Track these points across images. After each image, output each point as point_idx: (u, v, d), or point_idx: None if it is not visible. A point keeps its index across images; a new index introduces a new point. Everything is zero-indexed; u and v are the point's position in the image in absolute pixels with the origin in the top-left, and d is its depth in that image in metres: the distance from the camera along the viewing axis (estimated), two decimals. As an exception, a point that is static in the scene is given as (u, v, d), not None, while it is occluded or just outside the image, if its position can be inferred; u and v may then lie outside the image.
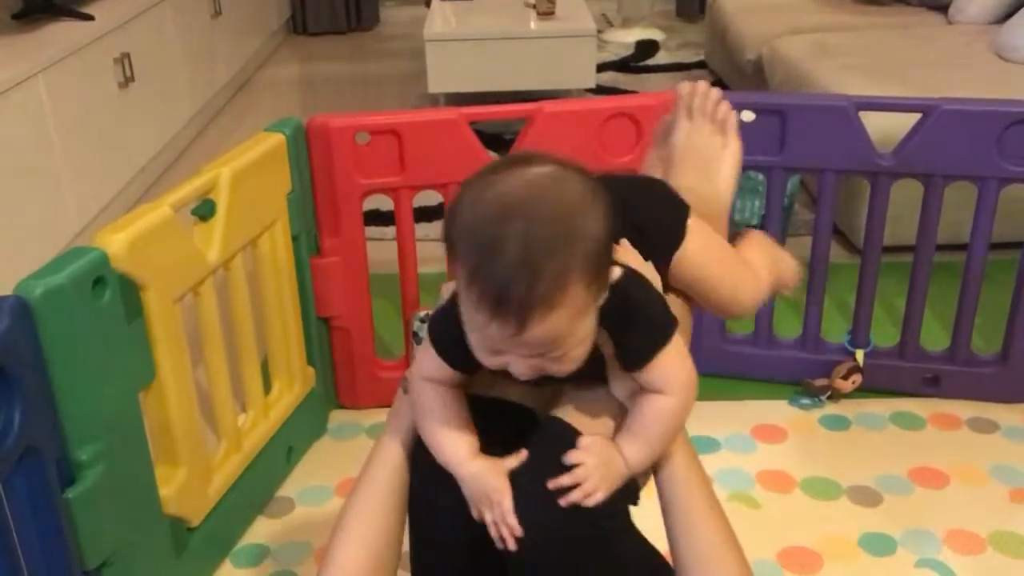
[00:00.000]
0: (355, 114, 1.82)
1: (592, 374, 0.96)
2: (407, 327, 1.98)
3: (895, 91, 2.44)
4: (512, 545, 0.90)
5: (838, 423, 1.94)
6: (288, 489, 1.80)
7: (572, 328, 0.83)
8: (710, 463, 1.82)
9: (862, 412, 1.96)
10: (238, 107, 4.11)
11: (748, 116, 1.87)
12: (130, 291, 1.31)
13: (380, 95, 4.30)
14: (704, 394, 1.85)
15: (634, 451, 0.93)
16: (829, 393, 1.98)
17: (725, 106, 1.26)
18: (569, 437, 0.94)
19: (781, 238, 2.13)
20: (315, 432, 1.94)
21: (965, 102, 1.79)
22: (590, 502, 0.90)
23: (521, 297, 0.79)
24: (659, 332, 0.91)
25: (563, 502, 0.90)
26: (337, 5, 5.29)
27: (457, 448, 0.94)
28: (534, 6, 3.64)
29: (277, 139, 1.68)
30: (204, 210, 1.50)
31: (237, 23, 4.21)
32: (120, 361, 1.31)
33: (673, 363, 0.91)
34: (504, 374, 0.92)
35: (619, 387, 0.96)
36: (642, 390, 0.93)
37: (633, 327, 0.90)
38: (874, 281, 1.94)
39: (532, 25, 3.54)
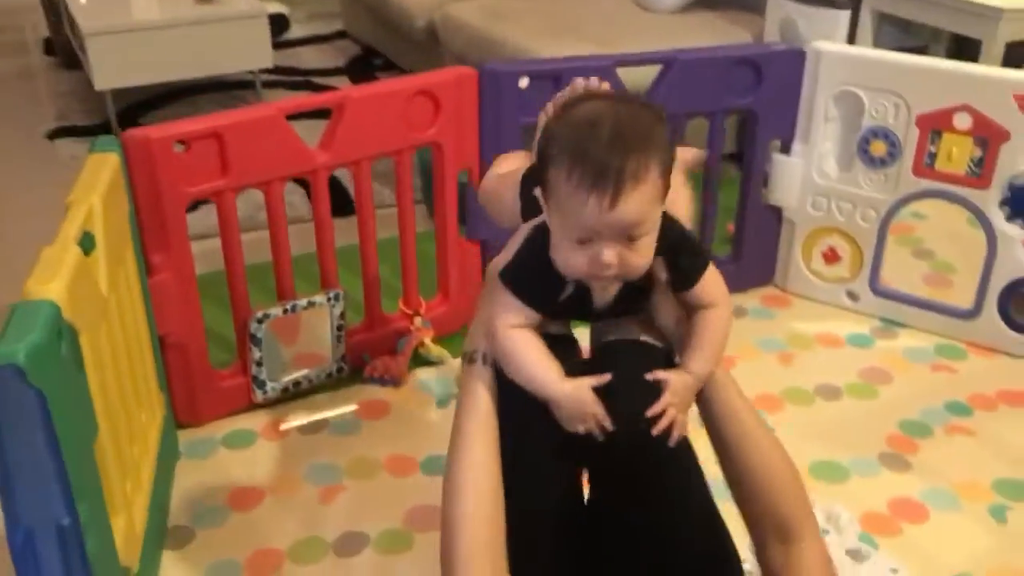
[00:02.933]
0: (171, 123, 1.75)
1: (636, 308, 1.14)
2: (240, 330, 1.95)
3: (585, 48, 2.78)
4: (601, 438, 1.08)
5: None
6: (179, 518, 1.73)
7: (651, 210, 1.01)
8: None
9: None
10: None
11: (523, 82, 2.08)
12: (74, 340, 1.22)
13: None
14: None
15: (700, 363, 1.12)
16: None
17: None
18: (639, 350, 1.13)
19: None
20: (175, 456, 1.86)
21: (697, 51, 2.17)
22: (678, 434, 1.09)
23: (616, 168, 0.97)
24: (703, 255, 1.12)
25: (655, 431, 1.08)
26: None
27: (549, 375, 1.08)
28: (189, -10, 3.50)
29: (113, 160, 1.58)
30: (87, 243, 1.40)
31: None
32: (80, 413, 1.22)
33: (716, 279, 1.12)
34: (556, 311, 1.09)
35: (665, 315, 1.15)
36: (693, 309, 1.13)
37: (683, 253, 1.10)
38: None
39: (196, 11, 3.40)
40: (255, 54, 3.47)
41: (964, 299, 2.27)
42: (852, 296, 2.33)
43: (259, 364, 1.97)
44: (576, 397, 1.08)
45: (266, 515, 1.74)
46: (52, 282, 1.19)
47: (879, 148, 2.17)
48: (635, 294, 1.11)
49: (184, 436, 1.92)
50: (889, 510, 1.74)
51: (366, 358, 2.13)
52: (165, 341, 1.85)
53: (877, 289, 2.30)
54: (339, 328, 2.05)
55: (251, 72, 3.56)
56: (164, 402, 1.82)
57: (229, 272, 1.92)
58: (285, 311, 1.97)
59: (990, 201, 2.09)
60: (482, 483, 1.09)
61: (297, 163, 1.89)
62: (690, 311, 1.14)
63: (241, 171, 1.82)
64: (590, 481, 1.20)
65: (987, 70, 2.09)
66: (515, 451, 1.12)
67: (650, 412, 1.08)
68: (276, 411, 2.01)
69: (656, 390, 1.09)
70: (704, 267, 1.11)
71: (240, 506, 1.76)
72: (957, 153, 2.09)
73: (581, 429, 1.08)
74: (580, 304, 1.11)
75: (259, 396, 2.00)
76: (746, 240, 2.38)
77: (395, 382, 2.10)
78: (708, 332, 1.13)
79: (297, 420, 1.99)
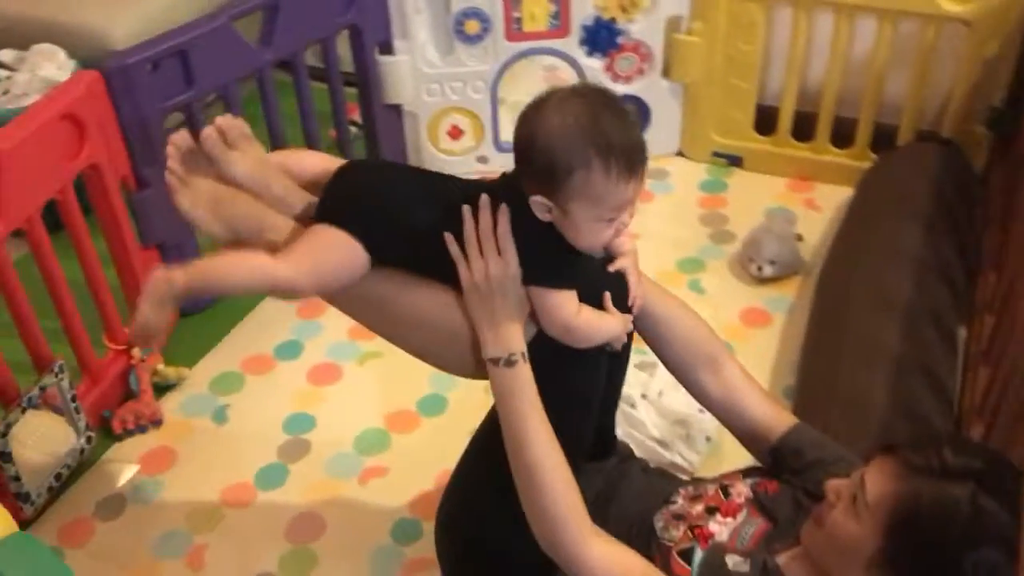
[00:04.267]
0: None
1: None
2: (-20, 455, 1.66)
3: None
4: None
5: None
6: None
7: None
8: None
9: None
10: None
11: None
12: None
13: None
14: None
15: (628, 242, 1.26)
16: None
17: (238, 122, 1.33)
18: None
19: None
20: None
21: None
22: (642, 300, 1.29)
23: (640, 149, 1.11)
24: None
25: (640, 304, 1.26)
26: None
27: (615, 322, 1.22)
28: None
29: None
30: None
31: None
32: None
33: None
34: None
35: None
36: None
37: None
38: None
39: None
40: None
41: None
42: (483, 160, 2.60)
43: (16, 479, 1.70)
44: (626, 324, 1.24)
45: (152, 615, 1.61)
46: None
47: (473, 26, 2.39)
48: None
49: (-23, 596, 1.63)
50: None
51: (107, 415, 1.93)
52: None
53: (501, 147, 2.59)
54: (73, 399, 1.83)
55: None
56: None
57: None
58: (23, 411, 1.70)
59: (572, 45, 2.45)
60: (566, 471, 1.19)
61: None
62: None
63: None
64: None
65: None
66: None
67: (635, 295, 1.25)
68: (55, 515, 1.77)
69: (623, 279, 1.25)
70: None
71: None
72: (538, 12, 2.39)
73: (624, 340, 1.25)
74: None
75: (28, 510, 1.74)
76: (381, 143, 2.49)
77: (154, 423, 1.94)
78: None
79: (91, 508, 1.78)
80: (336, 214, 1.23)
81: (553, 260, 1.19)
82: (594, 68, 2.48)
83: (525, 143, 1.13)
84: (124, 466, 1.86)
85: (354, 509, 1.76)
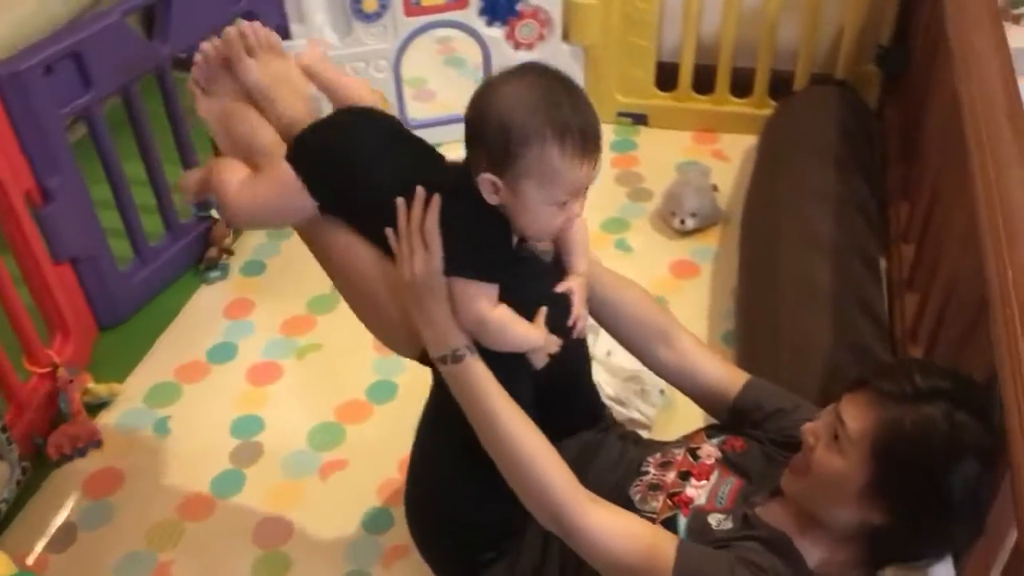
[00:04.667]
0: None
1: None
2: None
3: None
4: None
5: (254, 269, 2.25)
6: None
7: None
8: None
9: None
10: None
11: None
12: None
13: None
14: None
15: (584, 264, 1.27)
16: (225, 255, 2.24)
17: (266, 31, 1.36)
18: (536, 267, 1.25)
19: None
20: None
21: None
22: (584, 324, 1.27)
23: (596, 131, 1.10)
24: None
25: (576, 332, 1.24)
26: None
27: (536, 331, 1.18)
28: None
29: None
30: None
31: None
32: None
33: None
34: None
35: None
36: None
37: None
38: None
39: None
40: None
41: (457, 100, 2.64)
42: (391, 139, 2.56)
43: (-44, 521, 1.61)
44: (550, 339, 1.20)
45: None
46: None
47: (370, 4, 2.34)
48: None
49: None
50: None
51: (40, 442, 1.83)
52: None
53: (408, 124, 2.54)
54: (3, 430, 1.73)
55: None
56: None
57: None
58: (-45, 449, 1.60)
59: (472, 16, 2.42)
60: (546, 446, 1.18)
61: None
62: None
63: None
64: None
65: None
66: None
67: (573, 320, 1.22)
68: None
69: (567, 299, 1.23)
70: None
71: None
72: (436, -15, 2.36)
73: (547, 359, 1.21)
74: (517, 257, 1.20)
75: (-28, 553, 1.64)
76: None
77: (93, 444, 1.85)
78: (580, 238, 1.27)
79: (40, 541, 1.69)
80: (303, 162, 1.25)
81: (474, 251, 1.16)
82: (495, 37, 2.47)
83: (478, 118, 1.11)
84: (67, 493, 1.77)
85: (320, 506, 1.73)
